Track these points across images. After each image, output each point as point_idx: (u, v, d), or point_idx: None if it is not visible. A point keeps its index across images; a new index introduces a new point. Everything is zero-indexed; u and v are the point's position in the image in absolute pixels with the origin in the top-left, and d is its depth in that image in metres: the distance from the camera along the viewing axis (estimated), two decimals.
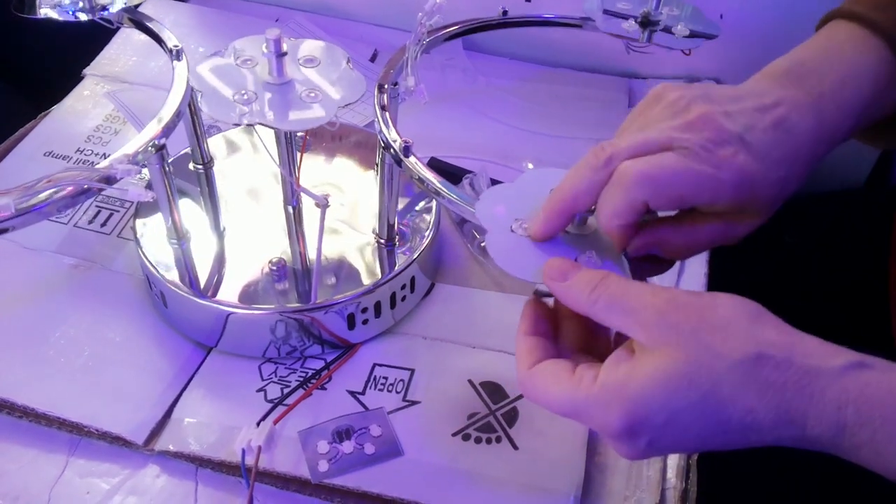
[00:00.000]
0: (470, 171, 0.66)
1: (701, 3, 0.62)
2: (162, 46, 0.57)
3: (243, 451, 0.48)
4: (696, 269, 0.62)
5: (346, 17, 0.86)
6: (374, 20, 0.85)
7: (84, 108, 0.73)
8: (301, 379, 0.54)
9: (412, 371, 0.55)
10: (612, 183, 0.38)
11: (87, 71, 0.77)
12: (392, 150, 0.51)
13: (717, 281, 0.61)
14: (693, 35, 0.59)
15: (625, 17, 0.60)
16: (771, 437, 0.34)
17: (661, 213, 0.41)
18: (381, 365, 0.55)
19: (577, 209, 0.40)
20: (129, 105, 0.74)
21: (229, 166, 0.64)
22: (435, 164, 0.68)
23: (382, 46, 0.83)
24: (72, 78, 0.77)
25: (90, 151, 0.69)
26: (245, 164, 0.64)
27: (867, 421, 0.32)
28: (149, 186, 0.52)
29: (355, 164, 0.65)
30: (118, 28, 0.60)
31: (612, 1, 0.61)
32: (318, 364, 0.55)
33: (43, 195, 0.43)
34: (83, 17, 0.57)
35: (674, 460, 0.51)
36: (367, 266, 0.57)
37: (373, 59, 0.82)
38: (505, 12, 0.62)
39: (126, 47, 0.80)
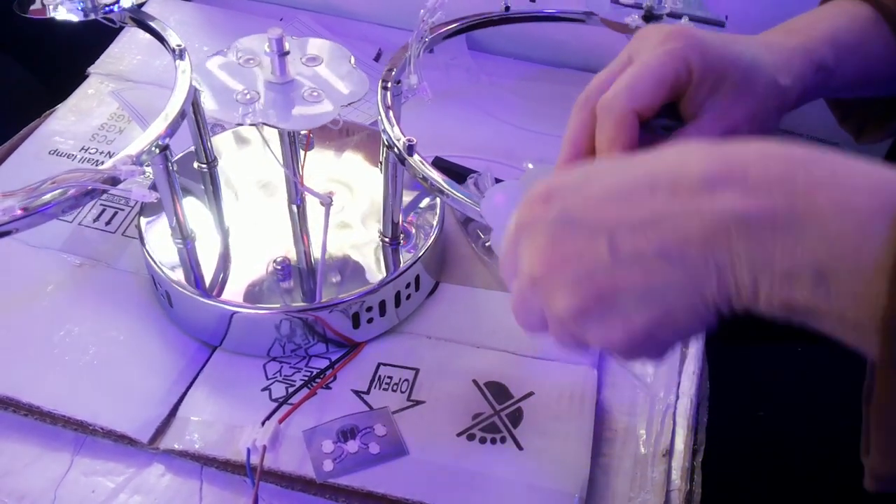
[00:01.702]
0: (474, 171, 0.66)
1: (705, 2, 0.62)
2: (165, 46, 0.57)
3: (248, 450, 0.48)
4: None
5: (350, 16, 0.86)
6: (378, 20, 0.85)
7: (89, 107, 0.73)
8: (306, 378, 0.54)
9: (417, 371, 0.55)
10: (599, 116, 0.38)
11: (91, 69, 0.77)
12: (396, 149, 0.51)
13: None
14: (697, 27, 0.59)
15: (629, 9, 0.60)
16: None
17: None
18: (385, 364, 0.55)
19: (580, 153, 0.40)
20: (133, 103, 0.74)
21: (233, 165, 0.64)
22: (439, 164, 0.68)
23: (386, 46, 0.83)
24: (76, 76, 0.77)
25: (95, 150, 0.69)
26: (249, 163, 0.64)
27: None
28: (153, 187, 0.52)
29: (359, 163, 0.65)
30: (122, 27, 0.60)
31: None
32: (323, 363, 0.55)
33: (47, 197, 0.43)
34: (87, 16, 0.57)
35: (678, 462, 0.51)
36: (371, 265, 0.57)
37: (377, 59, 0.82)
38: (507, 8, 0.62)
39: (131, 46, 0.80)
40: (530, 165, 0.44)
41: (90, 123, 0.72)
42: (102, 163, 0.68)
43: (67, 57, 0.79)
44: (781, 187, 0.28)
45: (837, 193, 0.27)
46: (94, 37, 0.79)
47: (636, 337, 0.31)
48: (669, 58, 0.38)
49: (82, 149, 0.69)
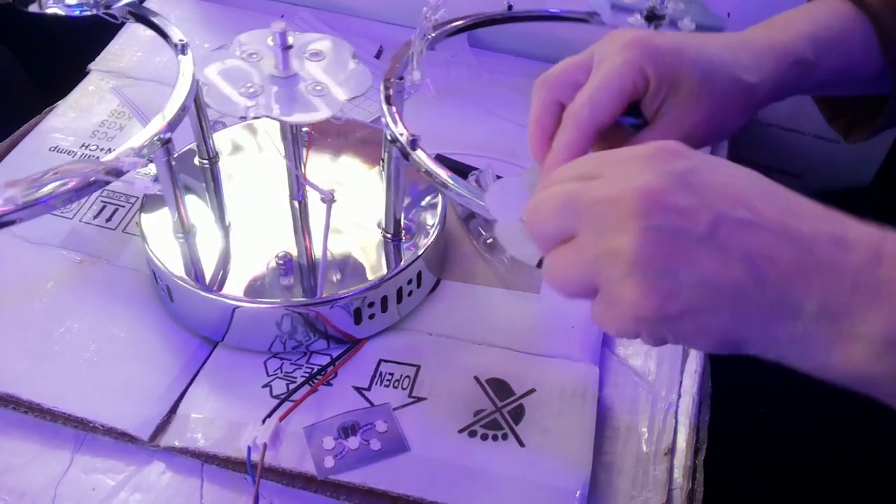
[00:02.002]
0: (476, 168, 0.66)
1: (707, 1, 0.61)
2: (167, 41, 0.56)
3: (249, 448, 0.48)
4: None
5: (351, 13, 0.86)
6: (380, 17, 0.85)
7: (89, 104, 0.73)
8: (307, 375, 0.54)
9: (418, 367, 0.54)
10: (563, 121, 0.40)
11: (92, 66, 0.77)
12: (399, 144, 0.51)
13: None
14: (699, 29, 0.59)
15: (631, 11, 0.60)
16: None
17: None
18: (386, 361, 0.55)
19: (547, 135, 0.42)
20: (134, 100, 0.74)
21: (235, 161, 0.64)
22: (441, 161, 0.68)
23: (387, 43, 0.82)
24: (77, 73, 0.77)
25: (95, 147, 0.69)
26: (251, 160, 0.64)
27: None
28: (155, 180, 0.52)
29: (361, 160, 0.64)
30: (123, 23, 0.60)
31: None
32: (324, 360, 0.55)
33: (49, 188, 0.42)
34: (87, 12, 0.57)
35: (680, 461, 0.50)
36: (373, 261, 0.56)
37: (378, 56, 0.81)
38: (510, 7, 0.62)
39: (131, 42, 0.80)
40: (528, 166, 0.44)
41: (91, 120, 0.72)
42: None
43: (68, 53, 0.79)
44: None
45: None
46: (95, 33, 0.78)
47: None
48: (627, 69, 0.39)
49: (83, 146, 0.69)
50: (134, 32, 0.80)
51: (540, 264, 0.39)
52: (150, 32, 0.58)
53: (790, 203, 0.31)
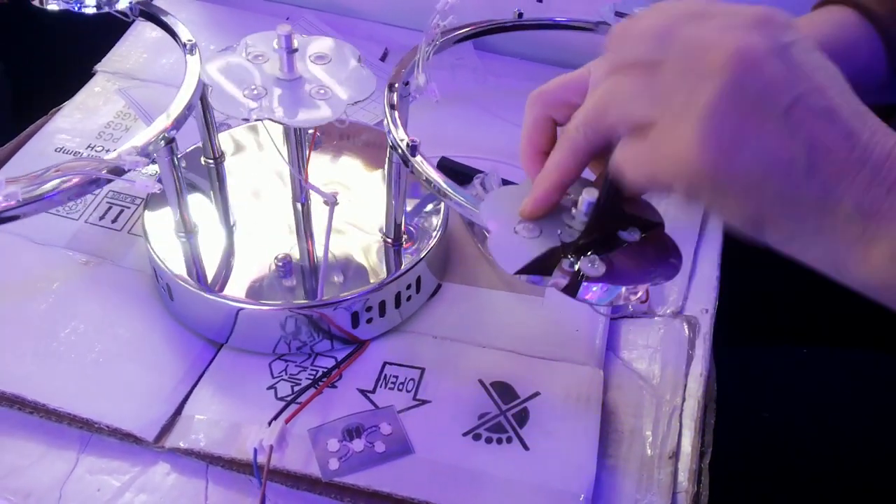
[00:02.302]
0: (481, 171, 0.66)
1: None
2: (176, 40, 0.57)
3: (255, 450, 0.48)
4: (707, 272, 0.62)
5: (357, 15, 0.86)
6: (385, 19, 0.85)
7: (95, 105, 0.73)
8: (311, 377, 0.54)
9: (422, 370, 0.54)
10: (559, 139, 0.40)
11: (98, 67, 0.77)
12: (399, 150, 0.51)
13: (729, 286, 0.61)
14: None
15: None
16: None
17: None
18: (391, 364, 0.55)
19: (538, 151, 0.41)
20: (140, 101, 0.74)
21: (240, 162, 0.64)
22: (446, 164, 0.68)
23: (393, 46, 0.83)
24: (83, 74, 0.77)
25: (101, 148, 0.69)
26: (256, 160, 0.64)
27: None
28: (159, 180, 0.52)
29: (364, 163, 0.65)
30: (129, 24, 0.60)
31: (628, 5, 0.61)
32: (329, 362, 0.55)
33: (51, 184, 0.43)
34: (98, 10, 0.57)
35: (685, 464, 0.50)
36: (373, 265, 0.56)
37: (383, 59, 0.81)
38: (520, 14, 0.62)
39: (137, 43, 0.80)
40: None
41: (96, 121, 0.72)
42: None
43: (74, 54, 0.79)
44: None
45: None
46: (101, 34, 0.79)
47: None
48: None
49: (88, 147, 0.69)
50: (140, 34, 0.80)
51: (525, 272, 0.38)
52: (156, 34, 0.59)
53: (860, 107, 0.32)
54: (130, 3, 0.57)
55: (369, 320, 0.55)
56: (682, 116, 0.31)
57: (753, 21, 0.32)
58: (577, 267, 0.39)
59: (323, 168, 0.63)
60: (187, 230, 0.56)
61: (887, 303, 0.32)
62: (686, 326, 0.58)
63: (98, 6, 0.57)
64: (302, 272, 0.56)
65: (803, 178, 0.31)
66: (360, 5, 0.85)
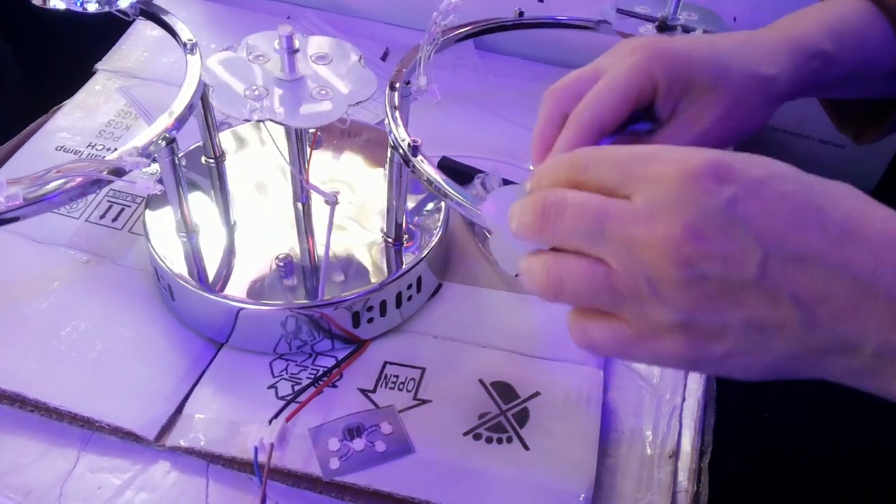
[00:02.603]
0: (482, 171, 0.66)
1: (714, 5, 0.61)
2: (176, 40, 0.57)
3: (256, 448, 0.48)
4: None
5: (358, 15, 0.86)
6: (386, 18, 0.85)
7: (96, 104, 0.74)
8: (312, 376, 0.54)
9: (423, 370, 0.54)
10: (567, 123, 0.40)
11: (99, 66, 0.77)
12: (400, 150, 0.51)
13: None
14: None
15: (642, 22, 0.60)
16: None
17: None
18: (392, 363, 0.55)
19: (550, 146, 0.41)
20: (140, 100, 0.74)
21: (241, 161, 0.64)
22: (446, 164, 0.68)
23: (394, 45, 0.83)
24: (84, 73, 0.77)
25: (102, 146, 0.69)
26: (257, 159, 0.64)
27: None
28: (160, 180, 0.52)
29: (366, 162, 0.65)
30: (130, 23, 0.60)
31: (630, 4, 0.61)
32: (329, 362, 0.55)
33: (52, 185, 0.43)
34: (98, 8, 0.57)
35: (685, 464, 0.51)
36: (374, 265, 0.57)
37: (384, 58, 0.81)
38: (521, 13, 0.62)
39: (138, 42, 0.80)
40: (531, 167, 0.44)
41: (97, 120, 0.72)
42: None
43: (74, 53, 0.79)
44: None
45: None
46: (102, 33, 0.79)
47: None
48: (633, 72, 0.39)
49: (89, 145, 0.69)
50: (141, 33, 0.80)
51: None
52: (156, 33, 0.59)
53: (847, 224, 0.28)
54: (131, 2, 0.57)
55: (370, 320, 0.55)
56: (655, 321, 0.29)
57: (682, 191, 0.28)
58: None
59: (324, 167, 0.63)
60: (188, 230, 0.56)
61: None
62: None
63: (100, 5, 0.57)
64: (303, 272, 0.56)
65: (806, 333, 0.28)
66: (361, 5, 0.85)
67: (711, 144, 0.39)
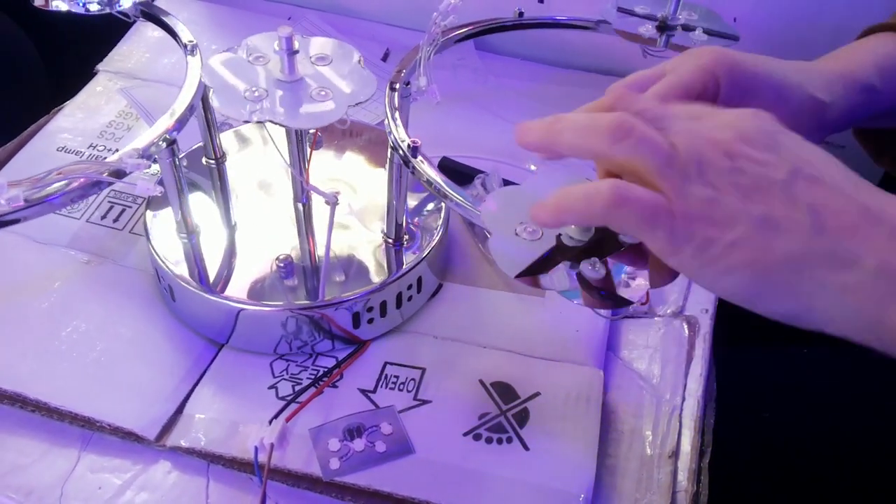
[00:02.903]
0: (482, 172, 0.66)
1: (714, 5, 0.61)
2: (177, 41, 0.57)
3: (256, 448, 0.48)
4: None
5: (358, 16, 0.86)
6: (386, 19, 0.85)
7: (97, 104, 0.74)
8: (312, 377, 0.54)
9: (423, 370, 0.55)
10: None
11: (100, 67, 0.77)
12: (400, 151, 0.51)
13: None
14: (711, 36, 0.59)
15: (642, 21, 0.60)
16: None
17: None
18: (392, 364, 0.55)
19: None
20: (141, 101, 0.74)
21: (242, 161, 0.64)
22: (446, 164, 0.68)
23: (394, 46, 0.83)
24: (84, 73, 0.77)
25: (103, 147, 0.70)
26: (257, 160, 0.64)
27: None
28: (160, 181, 0.52)
29: (366, 162, 0.65)
30: (132, 23, 0.60)
31: (630, 4, 0.61)
32: (330, 362, 0.55)
33: (53, 187, 0.43)
34: (98, 9, 0.57)
35: (685, 464, 0.51)
36: (374, 265, 0.57)
37: (384, 59, 0.82)
38: (521, 14, 0.62)
39: (139, 43, 0.80)
40: (533, 167, 0.44)
41: (98, 121, 0.72)
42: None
43: (75, 54, 0.79)
44: None
45: None
46: (103, 34, 0.79)
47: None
48: (699, 71, 0.40)
49: (90, 146, 0.70)
50: (142, 34, 0.80)
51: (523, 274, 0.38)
52: (157, 34, 0.59)
53: (861, 184, 0.33)
54: (133, 3, 0.57)
55: (370, 320, 0.55)
56: (689, 198, 0.33)
57: (743, 114, 0.34)
58: (577, 270, 0.39)
59: (324, 167, 0.63)
60: (189, 230, 0.57)
61: None
62: (686, 326, 0.58)
63: (101, 6, 0.57)
64: (303, 272, 0.56)
65: (810, 237, 0.31)
66: (361, 6, 0.86)
67: None
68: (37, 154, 0.69)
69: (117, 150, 0.68)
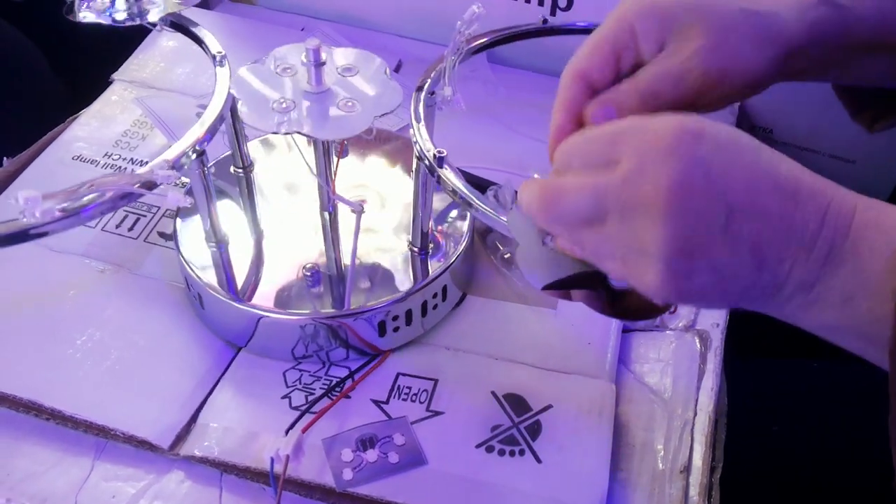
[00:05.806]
0: (494, 183, 0.67)
1: None
2: (205, 51, 0.57)
3: (272, 459, 0.48)
4: None
5: (371, 27, 0.86)
6: (399, 31, 0.86)
7: (112, 113, 0.74)
8: (325, 387, 0.54)
9: (436, 381, 0.55)
10: None
11: (115, 76, 0.78)
12: (426, 161, 0.51)
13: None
14: None
15: None
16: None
17: None
18: (404, 375, 0.55)
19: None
20: (156, 111, 0.74)
21: (269, 170, 0.64)
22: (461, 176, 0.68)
23: (406, 57, 0.83)
24: (100, 83, 0.78)
25: (118, 156, 0.70)
26: (284, 169, 0.65)
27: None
28: (189, 191, 0.53)
29: (391, 170, 0.65)
30: (147, 33, 0.60)
31: None
32: (343, 372, 0.55)
33: (86, 199, 0.43)
34: (126, 19, 0.58)
35: (696, 478, 0.51)
36: (400, 274, 0.57)
37: (397, 70, 0.82)
38: (545, 21, 0.62)
39: (154, 53, 0.80)
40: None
41: (113, 130, 0.73)
42: (125, 169, 0.69)
43: (91, 63, 0.80)
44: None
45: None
46: (118, 43, 0.79)
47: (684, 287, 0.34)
48: (607, 23, 0.40)
49: (105, 155, 0.70)
50: (157, 43, 0.81)
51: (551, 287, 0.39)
52: (173, 43, 0.59)
53: (788, 185, 0.33)
54: (161, 15, 0.57)
55: (396, 329, 0.55)
56: (642, 265, 0.33)
57: (668, 151, 0.32)
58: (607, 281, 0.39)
59: (351, 174, 0.64)
60: (217, 239, 0.57)
61: (855, 350, 0.35)
62: (698, 340, 0.58)
63: (129, 17, 0.57)
64: (329, 281, 0.57)
65: (757, 275, 0.33)
66: (374, 17, 0.86)
67: (697, 83, 0.39)
68: (52, 163, 0.69)
69: (132, 159, 0.69)
